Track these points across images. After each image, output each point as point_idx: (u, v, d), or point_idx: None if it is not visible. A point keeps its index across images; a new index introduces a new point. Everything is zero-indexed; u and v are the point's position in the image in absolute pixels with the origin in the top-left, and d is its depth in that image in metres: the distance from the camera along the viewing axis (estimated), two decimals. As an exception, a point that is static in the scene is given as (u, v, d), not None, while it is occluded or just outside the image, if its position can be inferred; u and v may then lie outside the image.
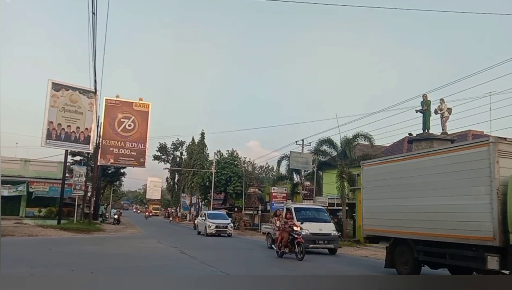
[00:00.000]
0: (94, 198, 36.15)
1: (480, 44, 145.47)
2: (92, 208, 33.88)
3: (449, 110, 21.25)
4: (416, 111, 21.65)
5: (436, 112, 21.33)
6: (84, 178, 30.66)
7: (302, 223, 15.28)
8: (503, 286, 6.41)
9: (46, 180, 34.18)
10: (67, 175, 30.52)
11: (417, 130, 22.29)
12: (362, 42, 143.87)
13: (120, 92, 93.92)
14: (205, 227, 26.58)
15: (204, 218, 28.05)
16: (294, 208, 17.84)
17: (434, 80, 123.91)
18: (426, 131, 21.23)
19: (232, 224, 28.41)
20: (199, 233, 28.45)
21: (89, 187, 32.96)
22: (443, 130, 21.29)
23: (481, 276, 9.07)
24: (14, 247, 14.38)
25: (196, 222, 32.58)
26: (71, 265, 10.41)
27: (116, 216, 39.09)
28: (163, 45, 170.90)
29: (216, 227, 26.19)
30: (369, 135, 26.74)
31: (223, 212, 34.24)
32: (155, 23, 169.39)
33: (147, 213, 69.75)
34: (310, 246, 15.92)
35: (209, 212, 30.77)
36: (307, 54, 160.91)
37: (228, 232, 26.45)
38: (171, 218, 58.52)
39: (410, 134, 22.85)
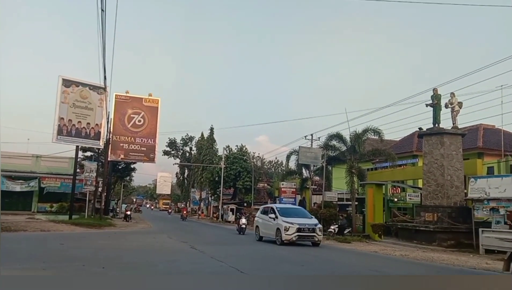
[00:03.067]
0: (105, 193, 36.50)
1: (492, 36, 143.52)
2: (103, 203, 34.24)
3: (460, 104, 21.01)
4: (426, 105, 21.46)
5: (446, 106, 21.11)
6: (95, 174, 31.01)
7: None
8: (503, 286, 6.35)
9: (58, 176, 34.58)
10: (78, 170, 30.86)
11: (427, 124, 22.07)
12: (373, 35, 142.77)
13: (129, 88, 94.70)
14: (278, 229, 17.58)
15: (273, 215, 18.46)
16: None
17: (444, 74, 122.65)
18: (437, 125, 21.05)
19: (321, 226, 18.54)
20: (260, 239, 19.45)
21: (100, 182, 33.28)
22: (453, 124, 21.08)
23: (481, 276, 8.98)
24: (27, 242, 14.64)
25: (255, 221, 21.39)
26: (83, 260, 10.55)
27: (128, 213, 36.41)
28: (172, 41, 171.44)
29: (298, 230, 17.11)
30: (379, 129, 26.55)
31: (299, 207, 24.39)
32: (164, 19, 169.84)
33: (185, 213, 47.07)
34: None
35: (278, 206, 20.34)
36: (317, 48, 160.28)
37: (316, 239, 17.43)
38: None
39: (420, 128, 22.61)
